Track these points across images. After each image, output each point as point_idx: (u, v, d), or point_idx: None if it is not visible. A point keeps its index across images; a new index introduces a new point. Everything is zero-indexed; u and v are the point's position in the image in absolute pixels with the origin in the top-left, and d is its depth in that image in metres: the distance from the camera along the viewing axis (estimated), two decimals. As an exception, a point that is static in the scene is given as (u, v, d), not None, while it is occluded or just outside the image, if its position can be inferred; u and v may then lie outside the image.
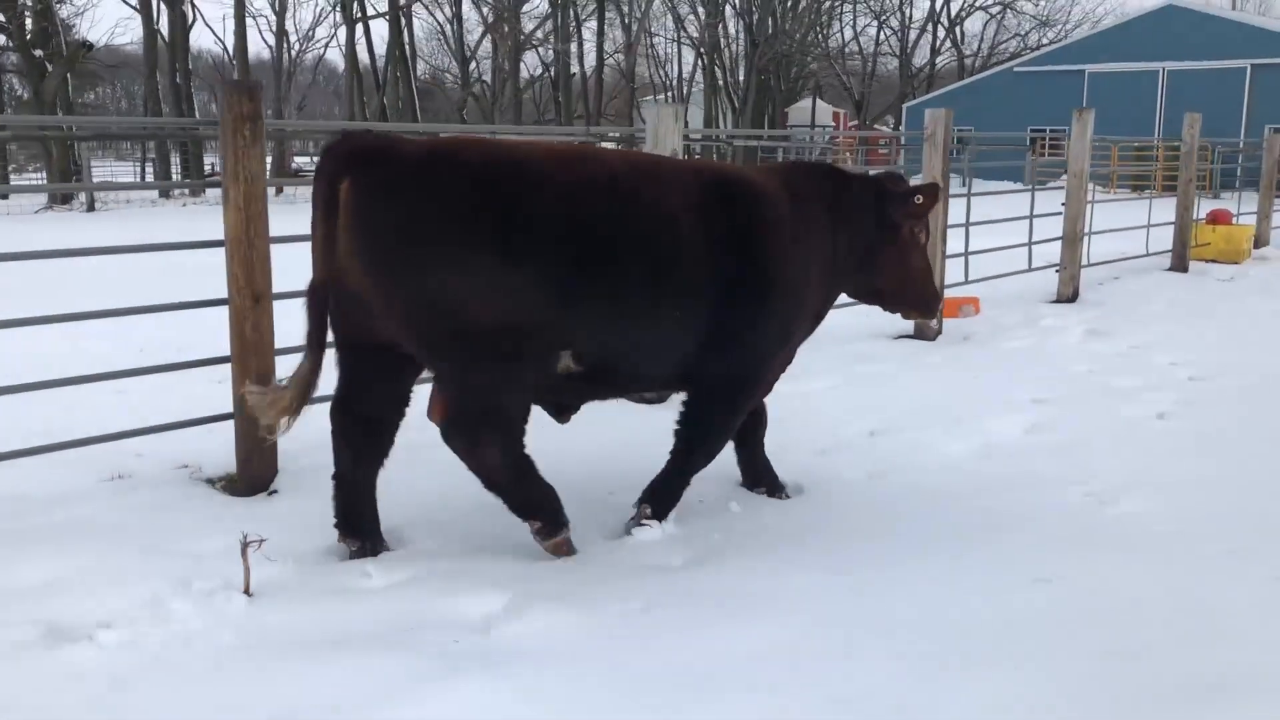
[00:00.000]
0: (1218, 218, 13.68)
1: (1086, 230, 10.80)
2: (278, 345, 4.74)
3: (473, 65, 45.56)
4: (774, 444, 4.64)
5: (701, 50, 43.88)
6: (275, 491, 4.59)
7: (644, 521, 3.99)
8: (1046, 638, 3.14)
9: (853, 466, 4.89)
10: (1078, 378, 6.67)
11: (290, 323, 4.09)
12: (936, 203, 4.37)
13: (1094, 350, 7.57)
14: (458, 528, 4.02)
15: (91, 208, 20.30)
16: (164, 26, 30.11)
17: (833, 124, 46.53)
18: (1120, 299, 10.05)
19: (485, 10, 38.94)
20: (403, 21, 31.71)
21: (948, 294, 8.99)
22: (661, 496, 4.08)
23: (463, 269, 3.35)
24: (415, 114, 30.39)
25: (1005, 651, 3.06)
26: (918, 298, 4.56)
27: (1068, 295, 10.05)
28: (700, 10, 42.20)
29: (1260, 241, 14.89)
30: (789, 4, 42.99)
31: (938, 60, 48.94)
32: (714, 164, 4.61)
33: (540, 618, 3.25)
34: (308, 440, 4.96)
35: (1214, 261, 13.41)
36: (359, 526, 3.83)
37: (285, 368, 4.71)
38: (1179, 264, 12.52)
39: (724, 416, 4.13)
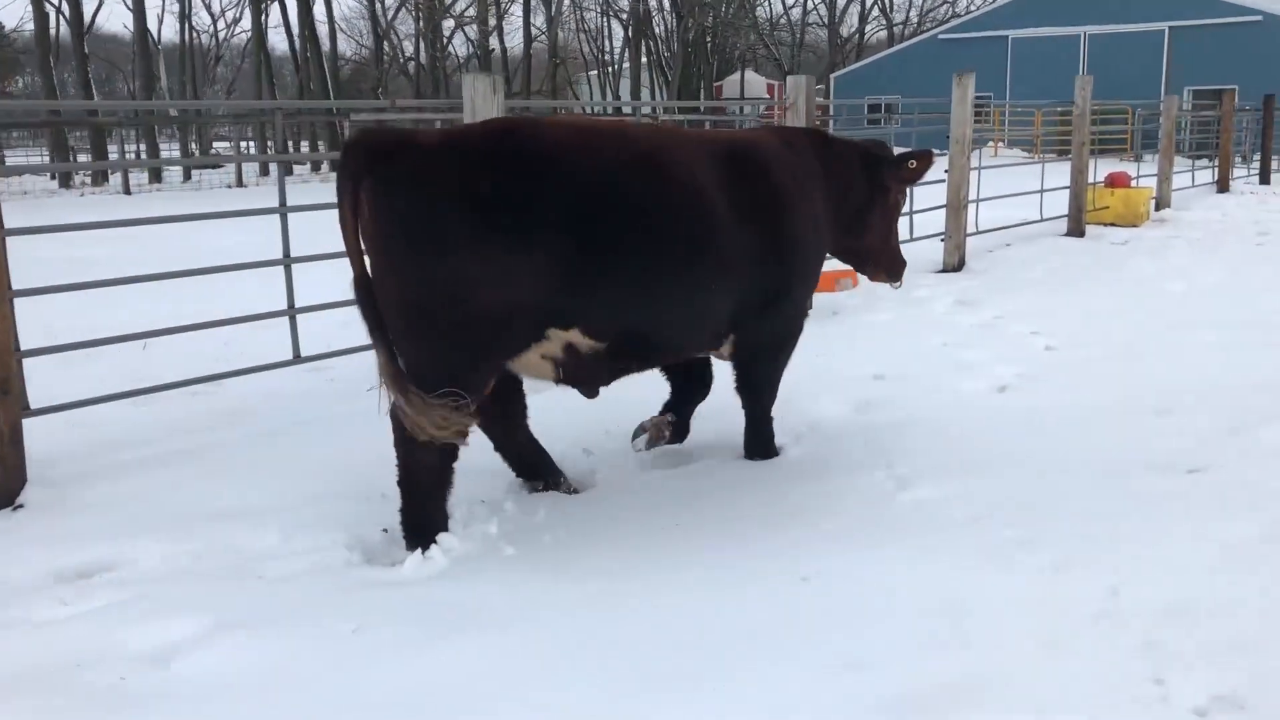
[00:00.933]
0: (1116, 180, 13.59)
1: (973, 197, 10.64)
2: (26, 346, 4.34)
3: (402, 43, 44.84)
4: (559, 427, 4.33)
5: (629, 24, 43.52)
6: (20, 506, 4.22)
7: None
8: (785, 646, 2.87)
9: (644, 456, 4.61)
10: (929, 352, 6.44)
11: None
12: (930, 167, 4.60)
13: (956, 321, 7.36)
14: (161, 545, 3.69)
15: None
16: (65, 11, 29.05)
17: (767, 95, 46.41)
18: (1004, 267, 9.87)
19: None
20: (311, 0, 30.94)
21: (825, 268, 8.75)
22: (758, 446, 4.54)
23: (467, 259, 3.36)
24: (329, 94, 29.67)
25: (731, 665, 2.79)
26: (892, 260, 4.87)
27: (953, 264, 9.86)
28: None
29: (1161, 204, 14.86)
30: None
31: (866, 29, 48.83)
32: (724, 132, 4.67)
33: (231, 647, 2.93)
34: (57, 452, 4.70)
35: (1113, 225, 13.32)
36: (538, 472, 4.20)
37: (34, 369, 4.52)
38: (1075, 228, 12.39)
39: (774, 367, 4.48)
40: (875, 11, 49.48)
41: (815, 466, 4.44)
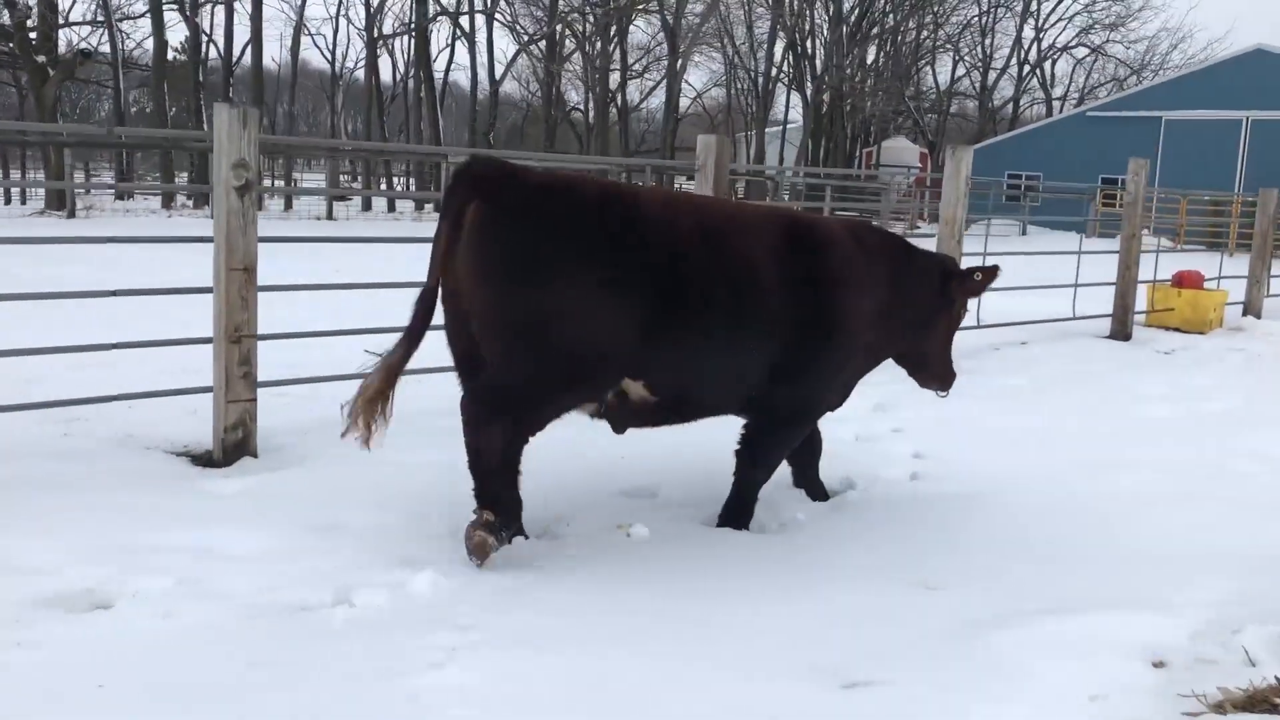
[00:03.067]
0: (1185, 280, 11.95)
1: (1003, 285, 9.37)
2: None
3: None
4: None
5: (790, 87, 42.46)
6: None
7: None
8: None
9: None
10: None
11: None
12: (994, 280, 4.83)
13: (862, 428, 6.19)
14: None
15: (73, 214, 20.34)
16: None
17: (919, 165, 44.90)
18: (987, 369, 8.57)
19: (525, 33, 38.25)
20: (431, 41, 31.58)
21: None
22: (736, 513, 4.45)
23: (565, 295, 3.62)
24: (438, 135, 30.13)
25: None
26: (946, 369, 5.04)
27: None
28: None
29: (1250, 309, 13.05)
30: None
31: (1022, 100, 46.71)
32: (793, 212, 5.23)
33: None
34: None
35: (1177, 330, 11.71)
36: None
37: None
38: (1119, 330, 10.89)
39: (778, 440, 4.50)
40: (1034, 84, 47.34)
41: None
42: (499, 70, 37.46)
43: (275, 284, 5.61)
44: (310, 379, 5.88)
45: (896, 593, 3.68)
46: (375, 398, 3.78)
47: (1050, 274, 11.61)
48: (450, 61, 38.66)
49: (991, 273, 4.79)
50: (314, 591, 3.54)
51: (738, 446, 4.44)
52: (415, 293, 3.83)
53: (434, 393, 6.43)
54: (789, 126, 47.18)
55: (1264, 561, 4.12)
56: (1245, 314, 13.00)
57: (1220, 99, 32.82)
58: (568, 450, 4.96)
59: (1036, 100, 47.91)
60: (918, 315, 4.73)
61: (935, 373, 5.02)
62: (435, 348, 6.90)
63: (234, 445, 5.12)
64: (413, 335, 3.76)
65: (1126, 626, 3.42)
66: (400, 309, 3.94)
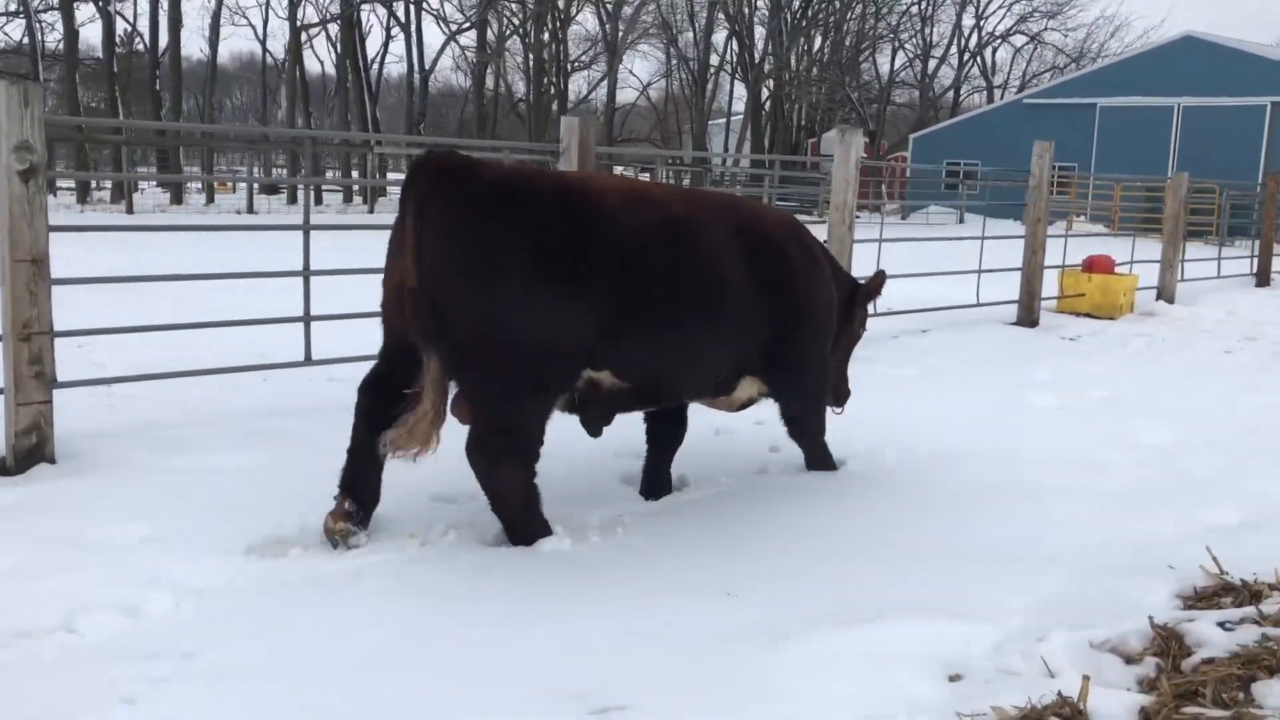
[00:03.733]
0: (1094, 265, 11.81)
1: (910, 270, 9.10)
2: None
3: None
4: None
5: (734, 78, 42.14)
6: None
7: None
8: None
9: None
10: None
11: None
12: (880, 284, 5.09)
13: (726, 420, 5.88)
14: None
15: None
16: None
17: (865, 155, 44.86)
18: (889, 355, 8.33)
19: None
20: (356, 32, 30.87)
21: None
22: (820, 465, 5.02)
23: (525, 292, 3.59)
24: (366, 123, 29.53)
25: None
26: (843, 384, 5.19)
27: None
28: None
29: (1164, 294, 12.95)
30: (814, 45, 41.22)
31: (962, 90, 46.75)
32: (748, 202, 5.19)
33: None
34: None
35: (1089, 316, 11.57)
36: (359, 493, 3.92)
37: None
38: (1025, 316, 10.71)
39: (809, 409, 4.90)
40: (975, 72, 47.45)
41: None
42: (430, 60, 36.84)
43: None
44: (110, 379, 5.52)
45: (691, 605, 3.39)
46: (426, 421, 3.75)
47: (968, 261, 11.38)
48: (384, 51, 38.10)
49: (878, 278, 5.10)
50: (42, 616, 3.19)
51: (783, 426, 4.89)
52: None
53: (258, 391, 6.14)
54: (734, 118, 46.99)
55: (1102, 560, 3.88)
56: (1159, 298, 12.90)
57: (1153, 86, 33.00)
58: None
59: (978, 89, 48.05)
60: (837, 319, 4.91)
61: (837, 389, 5.13)
62: (249, 343, 6.65)
63: (26, 451, 4.73)
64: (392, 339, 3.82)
65: (931, 635, 3.16)
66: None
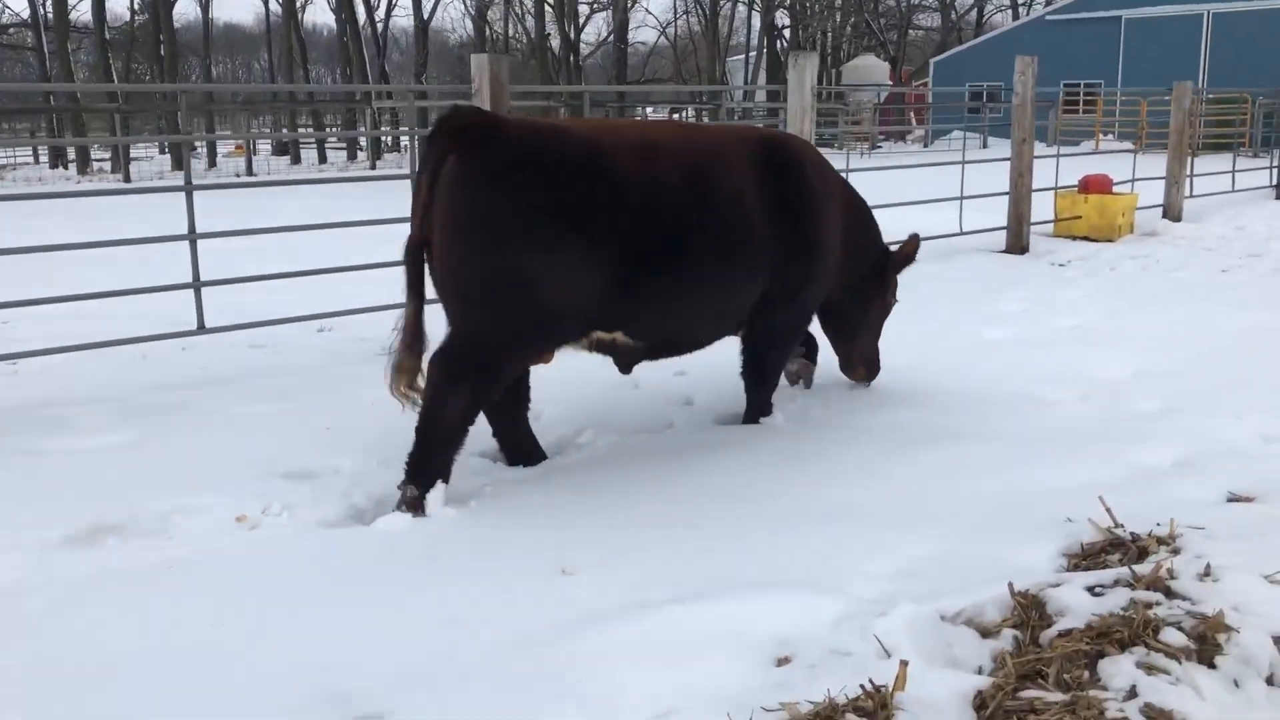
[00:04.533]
0: (1090, 185, 11.24)
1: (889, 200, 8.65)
2: None
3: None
4: None
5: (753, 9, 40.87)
6: None
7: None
8: None
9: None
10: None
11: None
12: (915, 249, 5.09)
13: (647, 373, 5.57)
14: None
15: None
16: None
17: (889, 81, 43.55)
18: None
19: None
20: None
21: None
22: (760, 412, 4.72)
23: (528, 257, 3.57)
24: (366, 78, 29.09)
25: None
26: (873, 359, 5.19)
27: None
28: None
29: (1169, 213, 12.34)
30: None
31: (985, 11, 45.21)
32: (758, 131, 5.02)
33: None
34: None
35: (1086, 239, 11.04)
36: (531, 460, 4.18)
37: None
38: (1015, 244, 10.22)
39: (780, 354, 4.76)
40: (999, -11, 45.74)
41: None
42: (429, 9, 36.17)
43: None
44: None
45: (518, 584, 3.08)
46: (410, 370, 3.70)
47: (972, 185, 10.83)
48: (392, 2, 37.53)
49: (912, 242, 5.08)
50: None
51: (742, 370, 4.67)
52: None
53: (177, 362, 5.91)
54: (755, 55, 45.85)
55: (992, 516, 3.52)
56: (1165, 217, 12.30)
57: (1179, -7, 31.68)
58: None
59: (1001, 7, 46.40)
60: (859, 265, 4.90)
61: (864, 357, 5.14)
62: (100, 323, 6.54)
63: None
64: (415, 292, 3.68)
65: (768, 611, 2.83)
66: None
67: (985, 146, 30.29)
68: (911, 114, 40.50)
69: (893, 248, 5.18)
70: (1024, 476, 3.95)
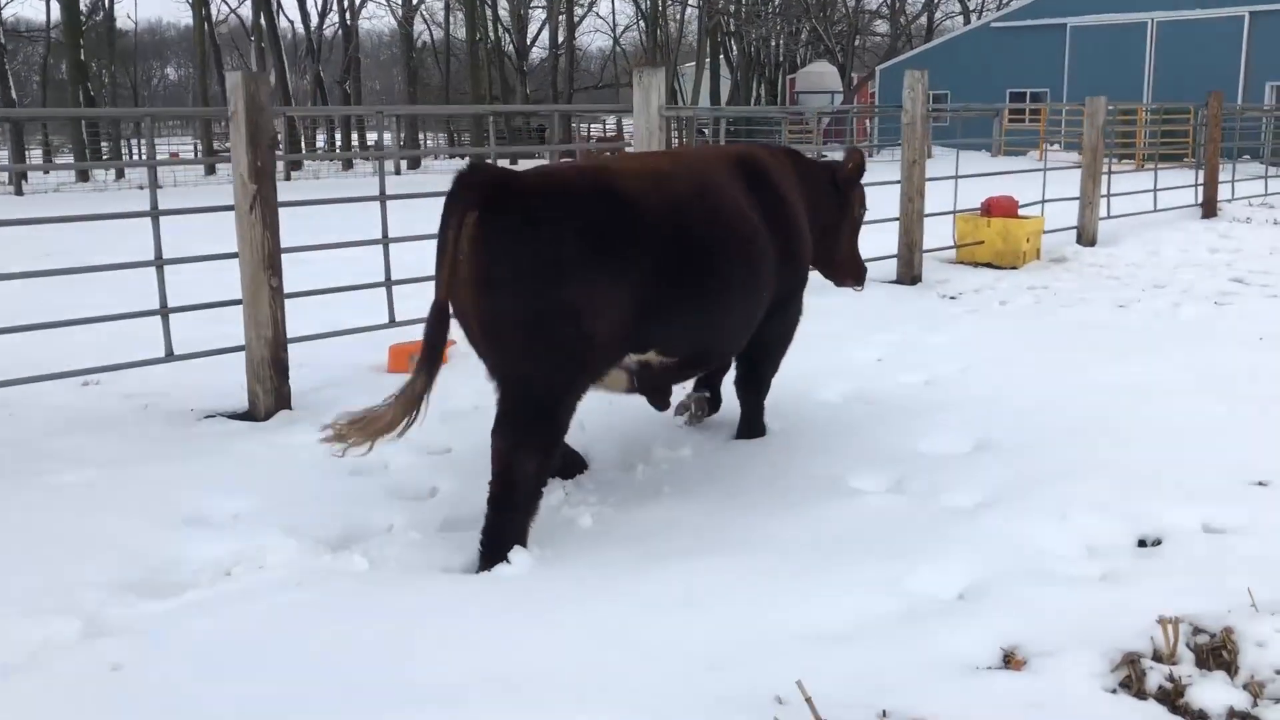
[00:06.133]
0: (993, 207, 10.51)
1: None
2: None
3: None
4: None
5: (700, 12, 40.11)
6: None
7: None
8: None
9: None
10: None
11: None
12: (861, 160, 5.08)
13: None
14: None
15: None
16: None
17: (838, 91, 42.89)
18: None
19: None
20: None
21: (402, 342, 6.38)
22: (752, 428, 4.95)
23: (561, 295, 3.62)
24: (286, 87, 28.09)
25: None
26: (858, 268, 5.40)
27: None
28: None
29: (1084, 236, 11.65)
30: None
31: (935, 17, 44.67)
32: (737, 149, 4.80)
33: None
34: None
35: (990, 265, 10.31)
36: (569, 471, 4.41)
37: None
38: (905, 273, 9.46)
39: (774, 364, 4.98)
40: (946, -3, 45.13)
41: None
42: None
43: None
44: None
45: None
46: (382, 428, 3.55)
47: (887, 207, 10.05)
48: (324, 6, 36.36)
49: (853, 154, 5.05)
50: None
51: (737, 379, 4.90)
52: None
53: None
54: (718, 63, 44.98)
55: (667, 690, 2.70)
56: (1079, 240, 11.61)
57: (1124, 0, 31.18)
58: None
59: (950, 14, 45.87)
60: (823, 224, 4.98)
61: (853, 272, 5.36)
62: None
63: None
64: (432, 355, 3.61)
65: None
66: None
67: (930, 157, 29.72)
68: (856, 123, 39.87)
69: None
70: (765, 613, 3.15)
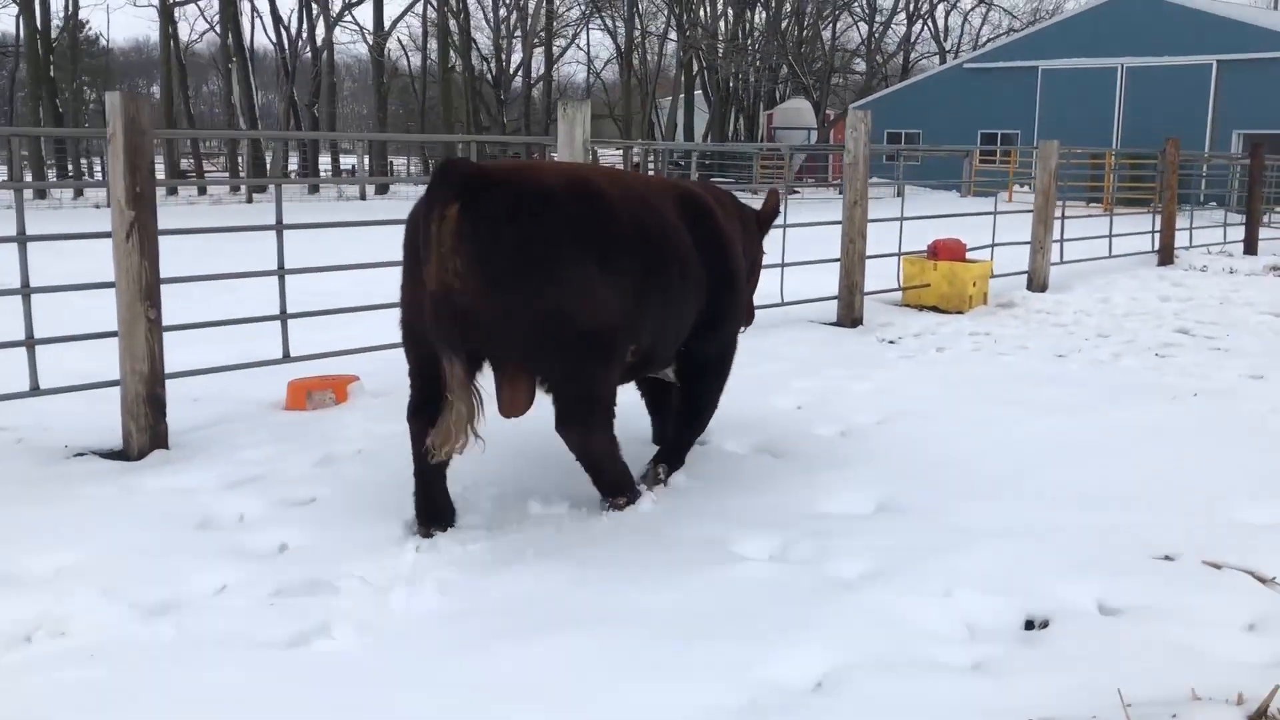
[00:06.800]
0: (940, 250, 10.31)
1: None
2: None
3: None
4: None
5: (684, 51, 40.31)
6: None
7: (659, 480, 4.66)
8: None
9: None
10: None
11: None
12: (776, 203, 5.30)
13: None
14: None
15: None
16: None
17: (815, 128, 42.93)
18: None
19: None
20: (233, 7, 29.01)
21: (306, 376, 6.08)
22: (675, 456, 4.86)
23: (580, 277, 3.84)
24: (253, 110, 27.87)
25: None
26: (750, 310, 5.40)
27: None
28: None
29: (1035, 281, 11.45)
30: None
31: (911, 57, 44.85)
32: (675, 181, 5.11)
33: None
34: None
35: (936, 309, 10.09)
36: (437, 516, 4.13)
37: None
38: (846, 315, 9.21)
39: (718, 385, 5.00)
40: (925, 34, 45.45)
41: None
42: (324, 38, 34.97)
43: None
44: None
45: None
46: (462, 424, 3.76)
47: (826, 249, 9.80)
48: (300, 28, 36.18)
49: (772, 197, 5.25)
50: None
51: (679, 405, 4.91)
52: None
53: None
54: (696, 95, 45.02)
55: None
56: (1030, 285, 11.41)
57: (1095, 46, 31.33)
58: None
59: (927, 55, 46.06)
60: (750, 260, 5.14)
61: (748, 313, 5.33)
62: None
63: None
64: (453, 345, 3.70)
65: None
66: None
67: (899, 195, 29.69)
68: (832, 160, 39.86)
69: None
70: (597, 700, 2.84)
